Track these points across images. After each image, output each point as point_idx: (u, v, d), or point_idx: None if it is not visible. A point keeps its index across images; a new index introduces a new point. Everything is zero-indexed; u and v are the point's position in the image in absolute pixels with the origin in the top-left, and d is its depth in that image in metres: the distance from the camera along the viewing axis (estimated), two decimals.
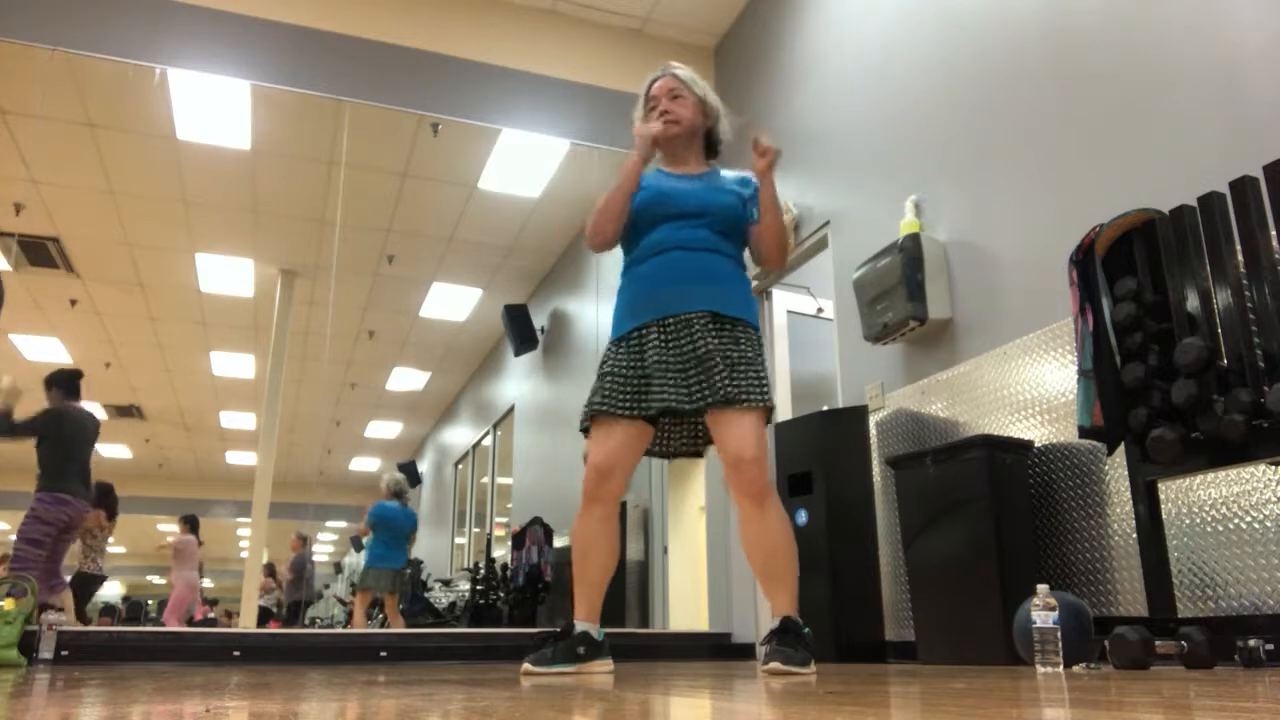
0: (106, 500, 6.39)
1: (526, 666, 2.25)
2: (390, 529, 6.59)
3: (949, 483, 3.02)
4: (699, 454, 2.60)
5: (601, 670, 2.33)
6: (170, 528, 8.41)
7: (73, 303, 7.55)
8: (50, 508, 4.72)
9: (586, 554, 2.37)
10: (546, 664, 2.25)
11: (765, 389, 2.33)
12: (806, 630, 2.26)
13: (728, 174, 2.61)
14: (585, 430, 2.43)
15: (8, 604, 3.57)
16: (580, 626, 2.34)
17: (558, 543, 6.64)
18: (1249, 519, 2.38)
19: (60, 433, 4.83)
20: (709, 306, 2.39)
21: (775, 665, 2.11)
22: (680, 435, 2.57)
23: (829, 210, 4.51)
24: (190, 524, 8.11)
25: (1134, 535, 2.67)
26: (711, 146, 2.68)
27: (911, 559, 3.13)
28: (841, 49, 4.58)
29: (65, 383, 4.99)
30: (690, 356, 2.35)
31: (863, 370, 4.10)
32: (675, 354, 2.37)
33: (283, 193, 6.54)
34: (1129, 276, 2.49)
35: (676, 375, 2.35)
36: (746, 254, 2.61)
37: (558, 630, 2.36)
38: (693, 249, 2.45)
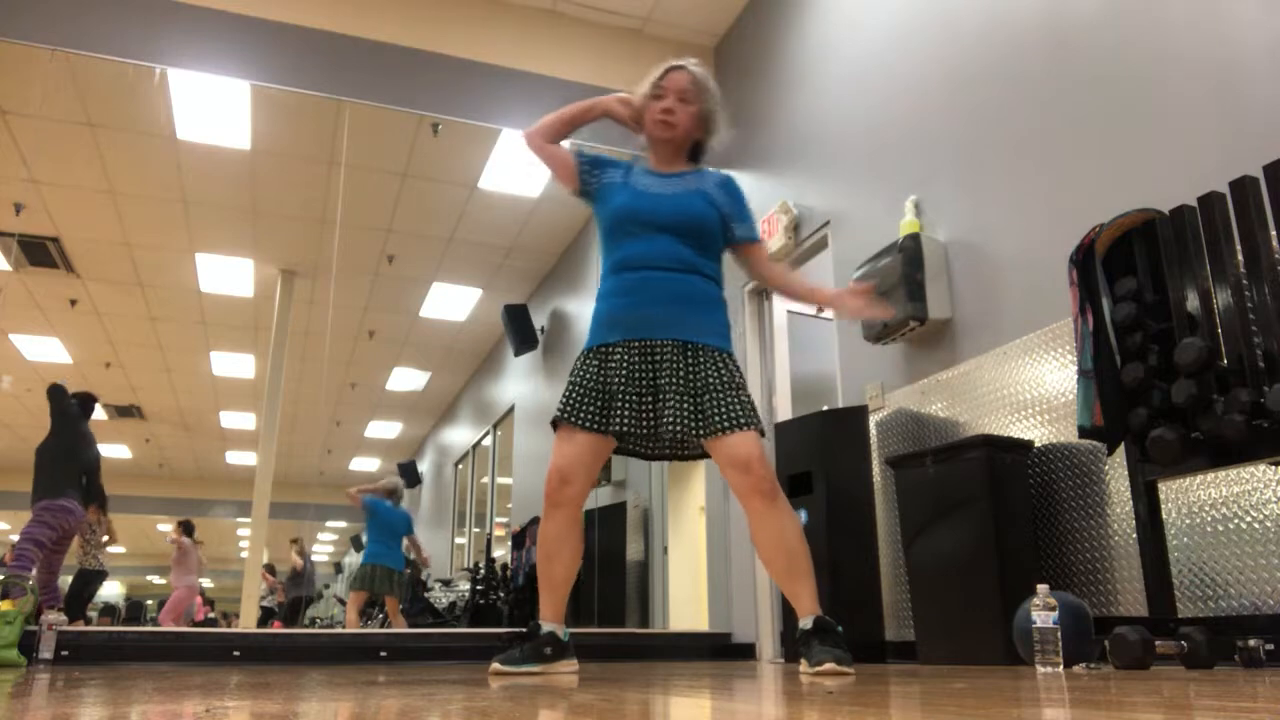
0: (96, 495, 6.50)
1: (495, 666, 2.27)
2: (383, 526, 6.57)
3: (949, 483, 3.02)
4: (700, 456, 2.57)
5: (567, 670, 2.35)
6: (170, 528, 8.42)
7: (73, 303, 7.55)
8: (56, 514, 4.97)
9: (551, 557, 2.38)
10: (515, 664, 2.28)
11: (754, 412, 2.33)
12: (840, 628, 2.26)
13: (711, 173, 2.58)
14: (554, 425, 2.43)
15: (7, 604, 3.57)
16: (546, 627, 2.35)
17: None
18: (1249, 519, 2.38)
19: (87, 454, 5.28)
20: (679, 336, 2.37)
21: (830, 666, 2.08)
22: (670, 444, 2.53)
23: (829, 210, 4.51)
24: (186, 529, 8.13)
25: (1134, 535, 2.67)
26: (696, 155, 2.65)
27: (911, 559, 3.13)
28: (841, 49, 4.57)
29: (86, 405, 5.41)
30: (652, 385, 2.34)
31: (863, 370, 4.10)
32: (636, 380, 2.36)
33: (283, 193, 6.54)
34: (1129, 276, 2.49)
35: (634, 402, 2.34)
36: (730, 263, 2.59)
37: (524, 631, 2.38)
38: (667, 269, 2.42)
